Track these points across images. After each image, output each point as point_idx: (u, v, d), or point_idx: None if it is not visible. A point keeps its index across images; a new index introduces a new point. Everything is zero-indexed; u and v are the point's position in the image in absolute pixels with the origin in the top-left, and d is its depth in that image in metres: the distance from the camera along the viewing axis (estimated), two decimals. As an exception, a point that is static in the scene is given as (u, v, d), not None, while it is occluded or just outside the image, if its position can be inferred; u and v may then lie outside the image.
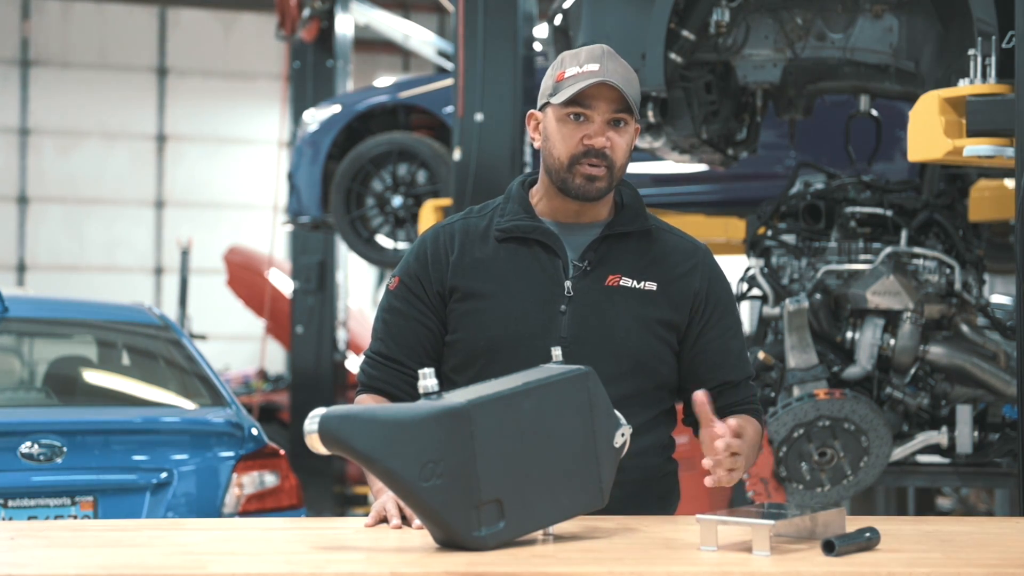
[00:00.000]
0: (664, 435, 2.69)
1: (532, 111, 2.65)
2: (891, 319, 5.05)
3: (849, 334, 5.09)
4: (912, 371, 5.06)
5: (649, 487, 2.62)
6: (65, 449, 4.38)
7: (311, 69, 10.35)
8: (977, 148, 4.06)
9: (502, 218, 2.63)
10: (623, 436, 2.26)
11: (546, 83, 2.61)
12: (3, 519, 4.27)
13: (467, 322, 2.58)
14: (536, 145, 2.64)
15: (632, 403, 2.56)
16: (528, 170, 4.52)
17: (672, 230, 2.69)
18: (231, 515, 4.60)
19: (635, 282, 2.59)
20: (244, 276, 11.35)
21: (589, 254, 2.59)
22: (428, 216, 7.14)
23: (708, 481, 2.35)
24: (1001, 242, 7.18)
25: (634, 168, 7.74)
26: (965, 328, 5.12)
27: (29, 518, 4.32)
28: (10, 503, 4.33)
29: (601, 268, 2.59)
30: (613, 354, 2.55)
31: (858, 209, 5.22)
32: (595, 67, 2.53)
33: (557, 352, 2.30)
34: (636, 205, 2.65)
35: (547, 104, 2.59)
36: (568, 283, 2.57)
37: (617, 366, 2.55)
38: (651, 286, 2.60)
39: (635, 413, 2.56)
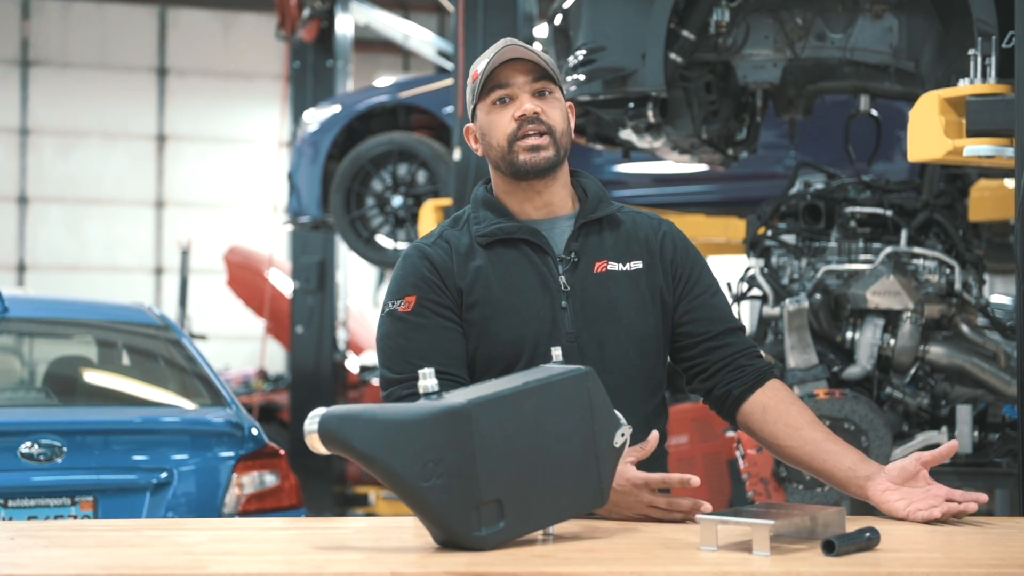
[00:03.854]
0: (666, 421, 2.72)
1: (468, 126, 2.66)
2: (891, 319, 5.05)
3: (849, 334, 5.08)
4: (912, 371, 5.05)
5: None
6: (65, 449, 4.38)
7: (311, 69, 10.35)
8: (977, 148, 4.05)
9: (479, 225, 2.62)
10: (623, 436, 2.26)
11: (468, 96, 2.64)
12: (3, 519, 4.27)
13: (476, 332, 2.56)
14: (480, 153, 2.65)
15: (643, 388, 2.60)
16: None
17: (633, 210, 2.72)
18: (231, 515, 4.60)
19: (621, 264, 2.62)
20: (244, 276, 11.35)
21: (573, 245, 2.61)
22: (428, 216, 7.14)
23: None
24: (1001, 242, 7.18)
25: (634, 168, 7.79)
26: (965, 328, 5.12)
27: (29, 518, 4.32)
28: (10, 503, 4.33)
29: (586, 257, 2.61)
30: (619, 340, 2.58)
31: (858, 209, 5.21)
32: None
33: (557, 352, 2.30)
34: (599, 191, 2.68)
35: (475, 111, 2.62)
36: (562, 278, 2.59)
37: (624, 351, 2.58)
38: (637, 265, 2.63)
39: (646, 399, 2.60)
